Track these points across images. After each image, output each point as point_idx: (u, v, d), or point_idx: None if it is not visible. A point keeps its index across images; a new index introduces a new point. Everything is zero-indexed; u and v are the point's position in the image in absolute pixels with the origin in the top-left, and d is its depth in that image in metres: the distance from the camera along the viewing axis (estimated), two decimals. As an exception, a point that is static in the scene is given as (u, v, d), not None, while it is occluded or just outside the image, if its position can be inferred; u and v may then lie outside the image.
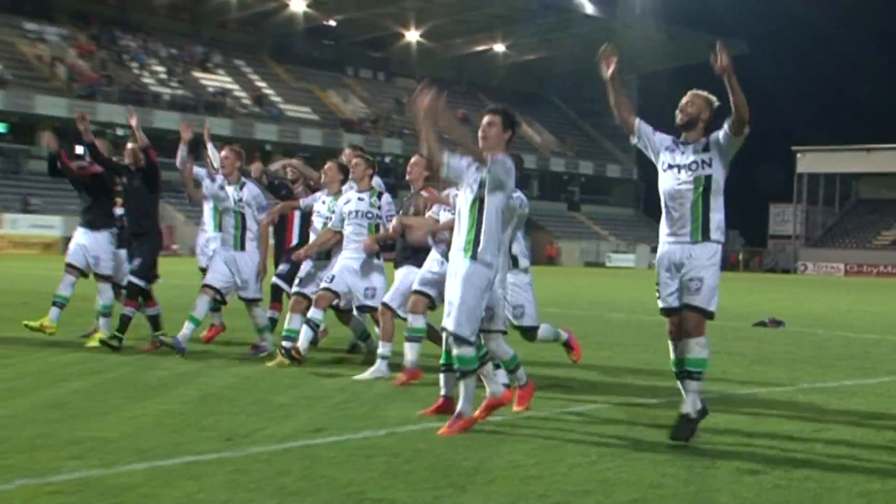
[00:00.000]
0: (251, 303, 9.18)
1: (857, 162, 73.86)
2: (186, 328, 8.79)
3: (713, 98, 5.67)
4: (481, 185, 5.55)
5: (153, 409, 6.27)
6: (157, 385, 7.09)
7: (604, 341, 11.87)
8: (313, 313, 8.38)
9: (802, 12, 76.37)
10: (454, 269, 5.71)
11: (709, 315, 5.57)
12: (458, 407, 5.74)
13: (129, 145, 9.47)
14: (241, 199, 8.88)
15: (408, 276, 8.17)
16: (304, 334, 8.32)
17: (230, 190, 8.93)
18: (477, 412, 5.79)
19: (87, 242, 9.49)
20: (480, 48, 72.86)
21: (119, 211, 9.85)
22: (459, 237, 5.68)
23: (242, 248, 9.15)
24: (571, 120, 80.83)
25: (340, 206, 8.08)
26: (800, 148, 74.03)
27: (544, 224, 65.21)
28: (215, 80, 59.24)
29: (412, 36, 67.05)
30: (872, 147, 71.12)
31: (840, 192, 77.98)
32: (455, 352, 5.68)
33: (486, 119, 5.76)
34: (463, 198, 5.78)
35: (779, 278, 56.18)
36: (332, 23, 66.96)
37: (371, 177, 8.53)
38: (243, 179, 9.06)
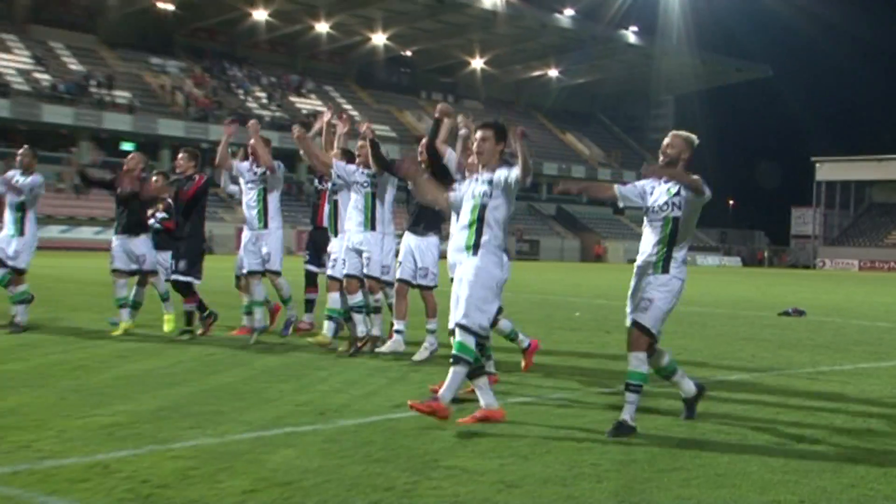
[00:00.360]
0: (274, 275, 9.67)
1: (870, 170, 77.94)
2: (258, 314, 9.51)
3: (693, 137, 5.77)
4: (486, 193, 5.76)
5: (255, 386, 6.70)
6: (260, 368, 7.56)
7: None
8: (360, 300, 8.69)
9: (821, 38, 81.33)
10: (463, 267, 5.82)
11: (651, 335, 5.56)
12: (441, 391, 5.66)
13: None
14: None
15: (410, 246, 8.70)
16: (361, 321, 8.60)
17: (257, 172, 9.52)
18: (467, 418, 5.68)
19: (129, 247, 9.97)
20: (536, 73, 77.80)
21: (161, 215, 10.49)
22: (464, 235, 5.84)
23: (266, 226, 9.56)
24: (615, 135, 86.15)
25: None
26: (818, 158, 78.37)
27: (593, 226, 71.35)
28: (308, 104, 64.53)
29: (477, 63, 72.28)
30: (884, 157, 75.47)
31: (854, 197, 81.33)
32: (457, 338, 5.62)
33: (479, 134, 5.84)
34: (469, 199, 5.92)
35: (800, 273, 58.44)
36: (409, 53, 71.95)
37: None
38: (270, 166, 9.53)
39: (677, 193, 5.51)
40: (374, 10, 60.38)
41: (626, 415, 5.39)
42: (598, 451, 5.03)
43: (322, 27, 62.84)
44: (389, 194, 8.78)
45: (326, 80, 70.01)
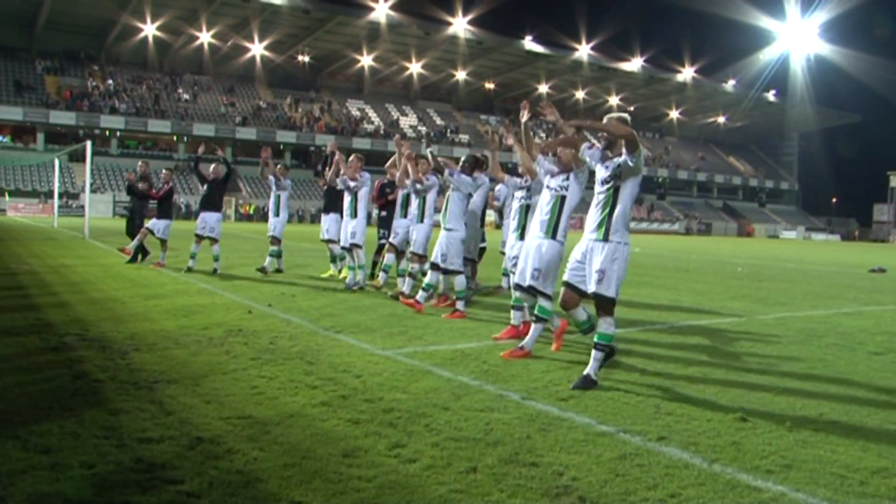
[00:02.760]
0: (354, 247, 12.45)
1: None
2: (361, 274, 12.47)
3: (625, 116, 6.20)
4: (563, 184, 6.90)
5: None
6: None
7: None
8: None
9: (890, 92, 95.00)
10: (537, 245, 6.93)
11: (610, 300, 6.03)
12: (524, 342, 7.18)
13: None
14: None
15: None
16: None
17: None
18: (553, 346, 7.45)
19: (208, 219, 14.39)
20: (710, 119, 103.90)
21: None
22: (542, 220, 6.94)
23: (354, 216, 12.57)
24: (761, 158, 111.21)
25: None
26: (892, 172, 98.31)
27: (745, 214, 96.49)
28: None
29: (674, 114, 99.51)
30: None
31: None
32: (539, 303, 6.96)
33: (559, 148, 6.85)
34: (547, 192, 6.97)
35: (880, 245, 71.44)
36: (631, 109, 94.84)
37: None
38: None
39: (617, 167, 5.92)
40: (611, 83, 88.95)
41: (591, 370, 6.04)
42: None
43: (580, 94, 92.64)
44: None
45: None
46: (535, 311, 7.22)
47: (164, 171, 16.73)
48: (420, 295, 10.22)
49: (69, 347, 7.09)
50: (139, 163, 17.97)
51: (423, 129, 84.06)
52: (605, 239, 6.06)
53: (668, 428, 5.12)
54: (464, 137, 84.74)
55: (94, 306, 9.84)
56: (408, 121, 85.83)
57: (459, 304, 9.94)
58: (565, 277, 6.37)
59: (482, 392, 5.91)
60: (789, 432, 5.14)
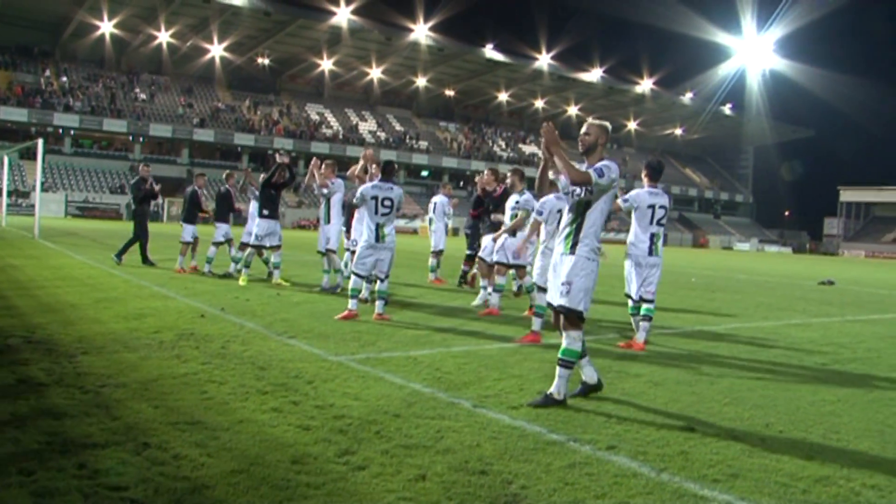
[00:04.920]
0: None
1: (872, 195, 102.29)
2: (339, 278, 12.96)
3: (606, 124, 6.07)
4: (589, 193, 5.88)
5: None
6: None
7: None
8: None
9: (842, 110, 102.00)
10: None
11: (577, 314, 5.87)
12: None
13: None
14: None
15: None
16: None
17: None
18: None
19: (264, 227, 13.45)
20: (668, 132, 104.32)
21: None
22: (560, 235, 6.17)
23: (328, 221, 12.88)
24: (717, 170, 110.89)
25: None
26: (842, 187, 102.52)
27: (701, 226, 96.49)
28: (529, 149, 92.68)
29: (632, 125, 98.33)
30: (882, 188, 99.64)
31: (863, 212, 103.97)
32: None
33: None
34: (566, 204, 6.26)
35: (829, 258, 73.31)
36: (591, 119, 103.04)
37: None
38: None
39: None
40: (571, 92, 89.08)
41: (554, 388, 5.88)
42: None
43: (539, 103, 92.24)
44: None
45: (541, 134, 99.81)
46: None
47: (196, 176, 17.06)
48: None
49: (13, 350, 6.94)
50: (141, 166, 17.83)
51: (383, 135, 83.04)
52: (572, 252, 5.96)
53: (618, 437, 5.16)
54: (423, 144, 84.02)
55: (41, 308, 9.65)
56: (367, 126, 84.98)
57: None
58: (547, 298, 6.31)
59: (434, 400, 5.91)
60: (736, 442, 5.21)
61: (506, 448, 4.76)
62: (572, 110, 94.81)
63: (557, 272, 6.02)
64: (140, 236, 16.82)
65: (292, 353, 7.47)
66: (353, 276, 10.26)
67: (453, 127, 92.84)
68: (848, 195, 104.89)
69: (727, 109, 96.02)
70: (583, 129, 6.10)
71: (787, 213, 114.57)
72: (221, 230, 15.57)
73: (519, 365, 7.45)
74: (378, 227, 10.11)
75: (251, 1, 64.15)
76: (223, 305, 10.72)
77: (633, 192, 9.14)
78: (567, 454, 4.71)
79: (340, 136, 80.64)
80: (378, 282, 10.36)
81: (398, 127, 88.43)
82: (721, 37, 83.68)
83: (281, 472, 4.15)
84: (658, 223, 9.10)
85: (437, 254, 16.19)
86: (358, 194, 10.44)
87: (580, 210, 5.93)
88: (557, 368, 5.93)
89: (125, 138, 69.89)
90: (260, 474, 4.11)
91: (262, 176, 14.40)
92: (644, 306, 8.95)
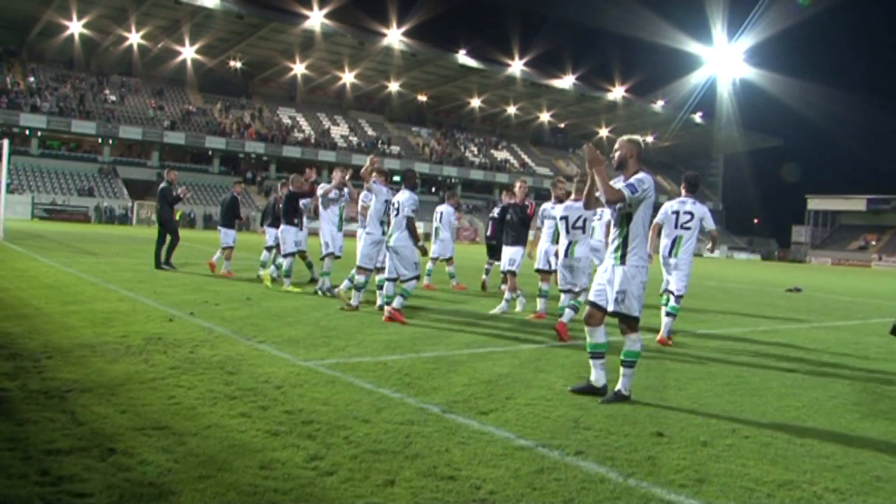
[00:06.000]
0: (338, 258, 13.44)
1: (838, 203, 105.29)
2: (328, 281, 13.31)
3: (636, 137, 6.39)
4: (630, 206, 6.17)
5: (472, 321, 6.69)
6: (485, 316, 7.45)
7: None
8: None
9: (810, 120, 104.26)
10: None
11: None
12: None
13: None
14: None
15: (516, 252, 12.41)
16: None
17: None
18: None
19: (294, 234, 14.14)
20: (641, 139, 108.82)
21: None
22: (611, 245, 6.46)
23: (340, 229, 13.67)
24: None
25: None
26: (809, 196, 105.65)
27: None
28: (501, 155, 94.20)
29: (604, 132, 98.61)
30: (848, 196, 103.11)
31: (830, 220, 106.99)
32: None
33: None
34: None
35: (796, 266, 74.23)
36: (563, 125, 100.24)
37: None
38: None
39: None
40: (543, 99, 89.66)
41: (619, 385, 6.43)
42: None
43: (511, 109, 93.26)
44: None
45: (513, 140, 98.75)
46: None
47: (234, 183, 17.74)
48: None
49: (-23, 354, 6.82)
50: (167, 171, 18.23)
51: (355, 140, 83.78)
52: (622, 262, 6.33)
53: (587, 443, 5.18)
54: (395, 149, 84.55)
55: (5, 311, 9.51)
56: (339, 130, 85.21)
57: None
58: (590, 297, 6.62)
59: (403, 405, 5.90)
60: (703, 447, 5.25)
61: (474, 453, 4.76)
62: (545, 117, 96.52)
63: (611, 281, 6.38)
64: (175, 238, 17.39)
65: (262, 358, 7.43)
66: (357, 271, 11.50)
67: (425, 132, 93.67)
68: (815, 203, 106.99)
69: (698, 118, 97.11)
70: (615, 146, 6.41)
71: (756, 221, 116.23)
72: (230, 236, 16.48)
73: (488, 370, 7.45)
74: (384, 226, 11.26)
75: (223, 3, 63.82)
76: (192, 309, 10.63)
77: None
78: (535, 459, 4.72)
79: (312, 141, 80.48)
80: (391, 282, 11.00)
81: (370, 132, 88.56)
82: (692, 46, 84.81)
83: (248, 478, 4.12)
84: (679, 226, 10.19)
85: (448, 261, 16.81)
86: (364, 196, 12.00)
87: (624, 222, 6.31)
88: (622, 368, 6.40)
89: (94, 140, 69.18)
90: (227, 480, 4.08)
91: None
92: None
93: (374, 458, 4.58)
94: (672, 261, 10.08)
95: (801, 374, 8.40)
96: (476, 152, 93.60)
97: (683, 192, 10.25)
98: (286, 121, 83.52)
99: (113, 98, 72.92)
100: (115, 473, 4.08)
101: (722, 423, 5.99)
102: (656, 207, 7.45)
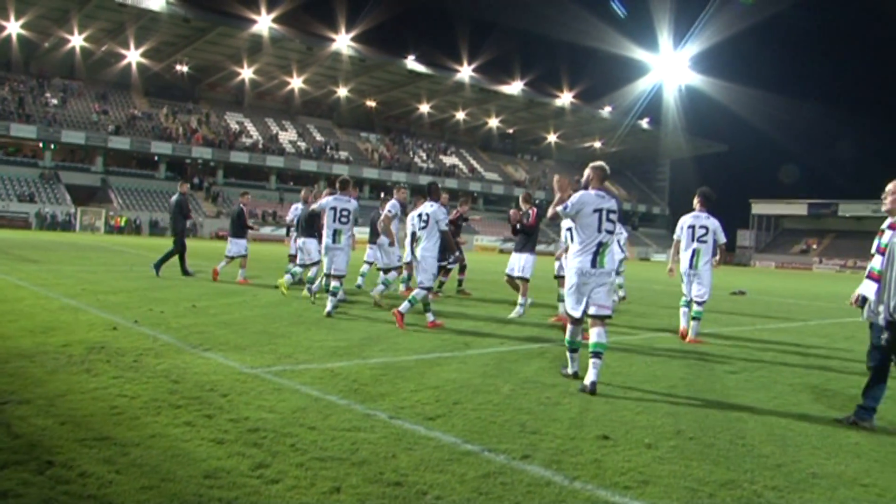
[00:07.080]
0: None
1: (782, 208, 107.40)
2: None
3: (599, 164, 7.50)
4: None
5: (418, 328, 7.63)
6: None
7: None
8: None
9: (755, 126, 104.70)
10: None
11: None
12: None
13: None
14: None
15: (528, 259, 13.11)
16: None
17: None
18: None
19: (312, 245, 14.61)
20: (587, 144, 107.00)
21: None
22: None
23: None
24: (635, 183, 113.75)
25: None
26: (754, 200, 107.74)
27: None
28: (450, 160, 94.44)
29: (552, 138, 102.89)
30: (791, 201, 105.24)
31: (773, 224, 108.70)
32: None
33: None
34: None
35: (741, 269, 76.15)
36: (511, 131, 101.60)
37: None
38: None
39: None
40: (492, 105, 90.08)
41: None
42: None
43: (461, 115, 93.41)
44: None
45: (462, 146, 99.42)
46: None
47: (241, 195, 18.12)
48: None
49: None
50: (181, 184, 18.47)
51: (303, 145, 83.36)
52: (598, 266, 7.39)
53: (533, 446, 5.21)
54: (343, 154, 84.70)
55: (-59, 321, 9.23)
56: (287, 136, 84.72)
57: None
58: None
59: (350, 411, 5.88)
60: (648, 449, 5.33)
61: (421, 459, 4.76)
62: (493, 122, 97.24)
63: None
64: (182, 249, 17.82)
65: (207, 366, 7.34)
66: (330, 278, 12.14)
67: (374, 138, 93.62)
68: (759, 208, 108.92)
69: (645, 124, 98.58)
70: (586, 171, 7.50)
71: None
72: (240, 245, 17.15)
73: (436, 376, 7.46)
74: (336, 232, 12.00)
75: (170, 6, 62.93)
76: (137, 318, 10.46)
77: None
78: (482, 464, 4.73)
79: (260, 146, 79.80)
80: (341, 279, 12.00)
81: (318, 137, 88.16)
82: (639, 53, 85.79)
83: (193, 488, 4.07)
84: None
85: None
86: (317, 205, 12.35)
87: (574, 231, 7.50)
88: (594, 359, 7.13)
89: (35, 145, 67.66)
90: (171, 490, 4.02)
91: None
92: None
93: (320, 465, 4.55)
94: (693, 273, 10.92)
95: (744, 376, 8.52)
96: (425, 158, 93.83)
97: (698, 206, 10.91)
98: (234, 126, 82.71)
99: (55, 101, 71.44)
100: (53, 487, 4.00)
101: (667, 424, 6.08)
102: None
